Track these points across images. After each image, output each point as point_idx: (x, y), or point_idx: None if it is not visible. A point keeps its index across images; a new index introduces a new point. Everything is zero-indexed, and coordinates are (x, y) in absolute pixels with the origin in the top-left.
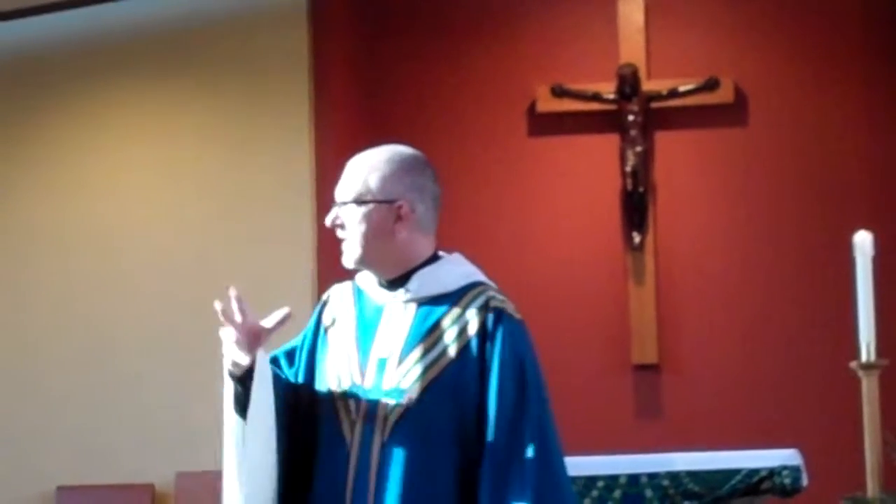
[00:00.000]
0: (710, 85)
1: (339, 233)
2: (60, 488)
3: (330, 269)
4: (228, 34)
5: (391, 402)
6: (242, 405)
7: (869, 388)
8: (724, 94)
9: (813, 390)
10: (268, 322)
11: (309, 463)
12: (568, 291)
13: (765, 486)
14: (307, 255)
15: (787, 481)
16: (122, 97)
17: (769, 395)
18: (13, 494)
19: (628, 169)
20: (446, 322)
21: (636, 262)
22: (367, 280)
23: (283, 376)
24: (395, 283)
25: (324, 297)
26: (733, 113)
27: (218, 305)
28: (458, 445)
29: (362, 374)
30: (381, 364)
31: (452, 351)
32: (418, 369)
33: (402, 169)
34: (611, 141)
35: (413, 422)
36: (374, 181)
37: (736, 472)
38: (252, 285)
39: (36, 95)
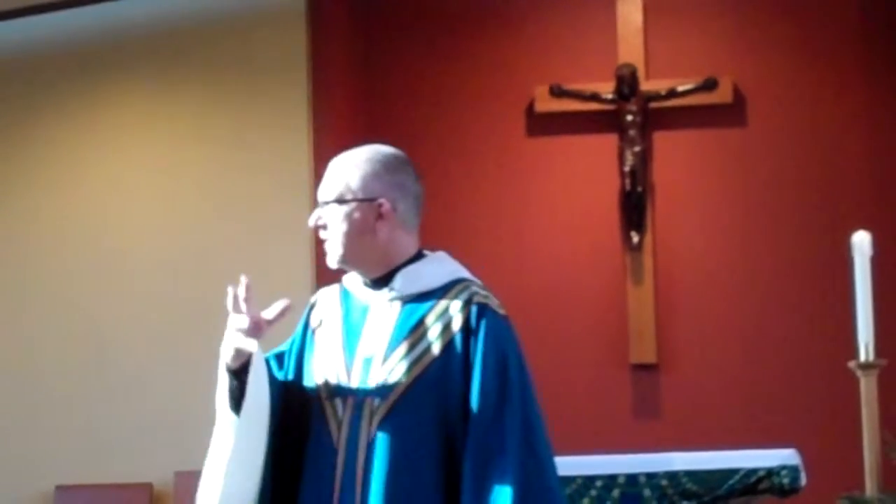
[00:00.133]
0: (709, 85)
1: (322, 233)
2: (59, 487)
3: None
4: (227, 34)
5: (377, 399)
6: (237, 400)
7: (867, 387)
8: (722, 95)
9: (811, 390)
10: (268, 313)
11: (296, 464)
12: (566, 291)
13: (763, 485)
14: (306, 255)
15: (785, 481)
16: (122, 97)
17: (767, 394)
18: (12, 494)
19: (627, 169)
20: (430, 319)
21: (635, 261)
22: (353, 281)
23: (275, 377)
24: (380, 282)
25: (311, 299)
26: (732, 113)
27: (230, 290)
28: (443, 441)
29: (348, 374)
30: (367, 363)
31: (437, 347)
32: (403, 366)
33: (382, 167)
34: (609, 141)
35: (399, 418)
36: (354, 180)
37: (734, 471)
38: (251, 284)
39: (35, 95)
